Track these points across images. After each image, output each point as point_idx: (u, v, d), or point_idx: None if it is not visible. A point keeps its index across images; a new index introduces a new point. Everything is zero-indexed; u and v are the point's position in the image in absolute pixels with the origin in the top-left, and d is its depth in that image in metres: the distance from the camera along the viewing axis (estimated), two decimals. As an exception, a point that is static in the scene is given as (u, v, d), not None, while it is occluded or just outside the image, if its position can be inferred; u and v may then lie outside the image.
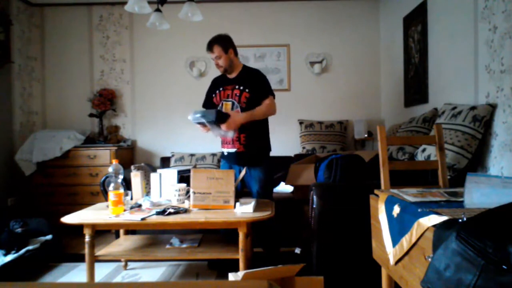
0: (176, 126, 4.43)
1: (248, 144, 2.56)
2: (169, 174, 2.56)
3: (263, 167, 2.61)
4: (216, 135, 2.54)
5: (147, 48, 4.45)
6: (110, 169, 2.27)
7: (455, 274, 0.85)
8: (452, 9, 2.69)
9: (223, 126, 2.42)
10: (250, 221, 2.09)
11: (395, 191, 1.58)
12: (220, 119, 2.40)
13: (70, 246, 3.32)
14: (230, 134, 2.50)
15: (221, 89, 2.64)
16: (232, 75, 2.65)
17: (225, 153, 2.65)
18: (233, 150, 2.58)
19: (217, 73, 2.81)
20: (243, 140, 2.55)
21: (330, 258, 2.17)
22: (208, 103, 2.74)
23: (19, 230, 2.89)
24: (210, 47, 2.57)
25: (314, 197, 2.17)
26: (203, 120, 2.41)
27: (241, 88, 2.57)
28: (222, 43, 2.56)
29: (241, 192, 2.72)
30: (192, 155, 4.10)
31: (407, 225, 1.29)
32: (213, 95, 2.69)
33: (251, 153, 2.57)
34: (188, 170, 2.55)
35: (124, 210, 2.21)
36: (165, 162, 4.18)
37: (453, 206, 1.28)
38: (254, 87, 2.57)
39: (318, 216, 2.16)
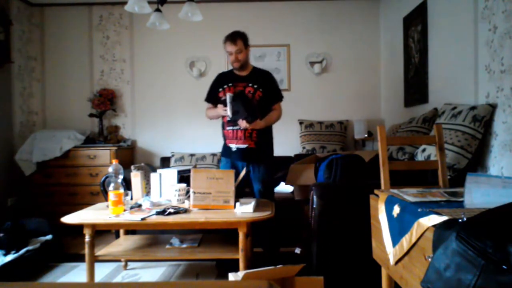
0: (176, 126, 4.44)
1: (259, 141, 2.61)
2: (169, 174, 2.56)
3: (267, 166, 2.65)
4: (229, 118, 2.55)
5: (147, 48, 4.45)
6: (110, 169, 2.27)
7: (455, 274, 0.85)
8: (452, 9, 2.69)
9: (244, 123, 2.48)
10: (250, 221, 2.10)
11: (395, 191, 1.58)
12: (252, 113, 2.48)
13: (70, 246, 3.32)
14: (240, 124, 2.53)
15: (230, 85, 2.64)
16: (243, 73, 2.67)
17: (234, 149, 2.64)
18: (244, 146, 2.60)
19: (219, 69, 2.81)
20: (254, 137, 2.60)
21: (330, 258, 2.17)
22: (213, 97, 2.73)
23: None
24: (233, 39, 2.55)
25: (314, 197, 2.18)
26: (227, 99, 2.49)
27: (255, 86, 2.61)
28: (244, 38, 2.61)
29: (242, 192, 2.73)
30: (192, 155, 4.10)
31: (407, 225, 1.29)
32: (220, 90, 2.68)
33: (260, 149, 2.62)
34: (188, 170, 2.55)
35: (124, 210, 2.21)
36: (165, 162, 4.19)
37: (453, 206, 1.28)
38: (268, 88, 2.64)
39: (318, 216, 2.16)
